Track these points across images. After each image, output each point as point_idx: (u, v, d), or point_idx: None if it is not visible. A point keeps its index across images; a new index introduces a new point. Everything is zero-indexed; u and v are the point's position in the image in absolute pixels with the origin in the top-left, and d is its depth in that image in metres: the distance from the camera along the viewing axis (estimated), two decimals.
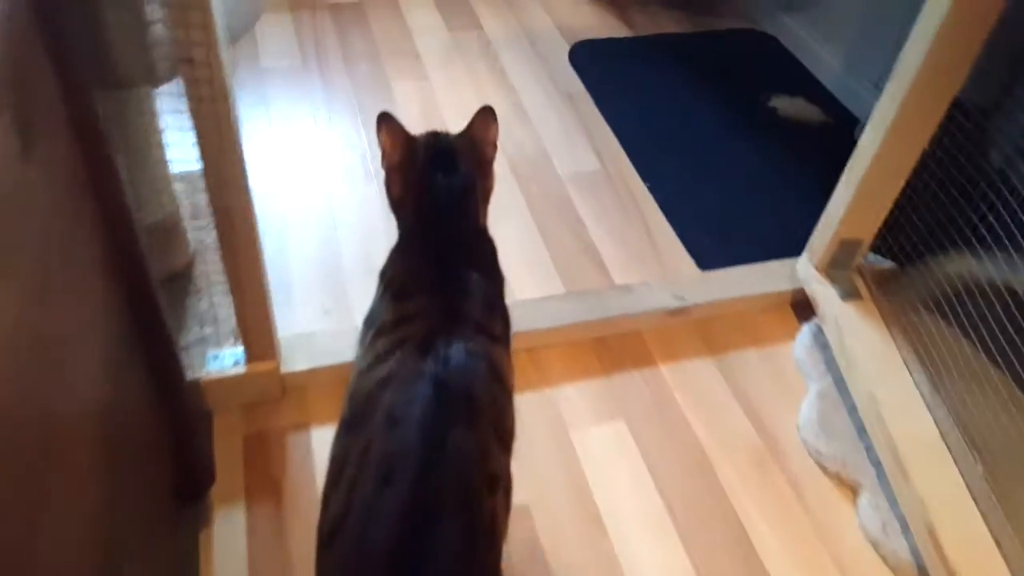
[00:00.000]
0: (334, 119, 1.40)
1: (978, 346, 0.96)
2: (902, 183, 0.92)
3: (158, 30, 0.67)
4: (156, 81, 0.75)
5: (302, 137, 1.35)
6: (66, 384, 0.52)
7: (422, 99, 1.46)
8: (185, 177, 1.11)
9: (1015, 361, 0.87)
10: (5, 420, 0.41)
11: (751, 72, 1.60)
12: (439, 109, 1.44)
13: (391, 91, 1.47)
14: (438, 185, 0.72)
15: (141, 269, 0.68)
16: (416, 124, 1.39)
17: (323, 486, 0.58)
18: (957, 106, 0.85)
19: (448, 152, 0.74)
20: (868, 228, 0.98)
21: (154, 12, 0.67)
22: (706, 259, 1.19)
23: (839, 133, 1.45)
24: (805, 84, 1.57)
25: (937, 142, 0.87)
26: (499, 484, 0.60)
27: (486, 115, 0.74)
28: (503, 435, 0.63)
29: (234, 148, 0.70)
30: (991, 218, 0.86)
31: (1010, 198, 0.82)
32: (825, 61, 1.58)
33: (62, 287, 0.54)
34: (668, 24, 1.73)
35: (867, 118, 1.46)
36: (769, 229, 1.24)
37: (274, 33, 1.59)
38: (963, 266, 0.95)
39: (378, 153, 0.75)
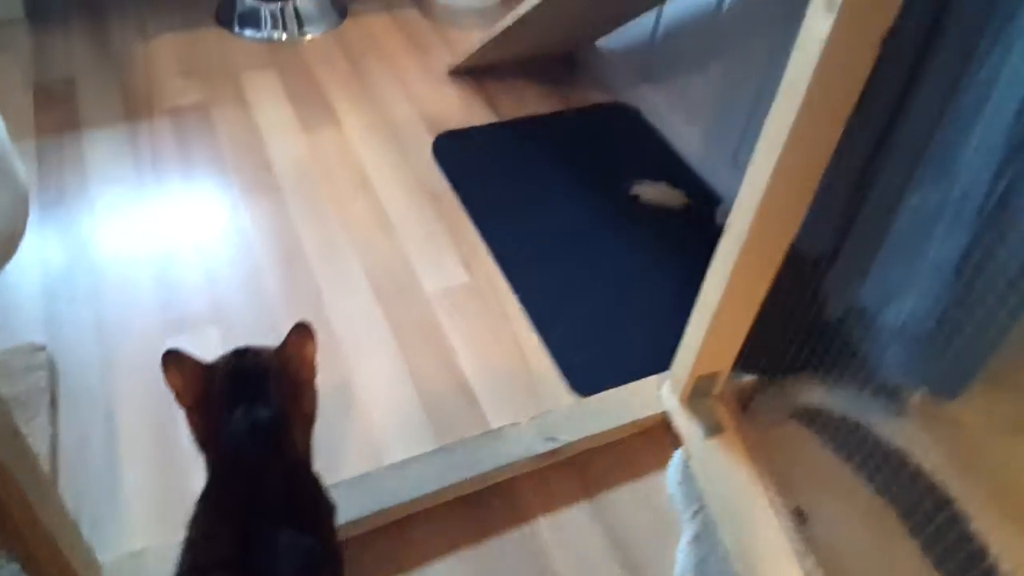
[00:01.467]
0: (172, 252, 1.28)
1: (846, 462, 0.97)
2: (749, 324, 0.91)
3: None
4: None
5: (133, 276, 1.23)
6: None
7: (274, 218, 1.36)
8: None
9: (862, 467, 0.88)
10: None
11: (615, 152, 1.59)
12: (294, 228, 1.35)
13: (239, 210, 1.37)
14: (239, 421, 0.64)
15: None
16: (271, 247, 1.31)
17: None
18: (793, 256, 0.84)
19: (254, 377, 0.66)
20: (723, 362, 0.97)
21: None
22: (580, 381, 1.15)
23: (702, 217, 1.45)
24: (667, 162, 1.58)
25: (776, 290, 0.87)
26: None
27: (301, 333, 0.68)
28: None
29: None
30: (835, 359, 0.87)
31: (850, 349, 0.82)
32: (684, 135, 1.59)
33: None
34: (533, 103, 1.70)
35: (729, 198, 1.50)
36: (640, 338, 1.22)
37: (106, 149, 1.45)
38: (816, 396, 0.95)
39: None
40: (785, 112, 0.72)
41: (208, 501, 0.65)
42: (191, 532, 0.65)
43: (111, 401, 1.06)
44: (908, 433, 0.87)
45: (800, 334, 0.91)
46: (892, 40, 0.67)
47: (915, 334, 0.71)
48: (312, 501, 0.67)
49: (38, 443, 0.96)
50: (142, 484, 0.98)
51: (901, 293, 0.73)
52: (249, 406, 0.64)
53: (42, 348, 1.06)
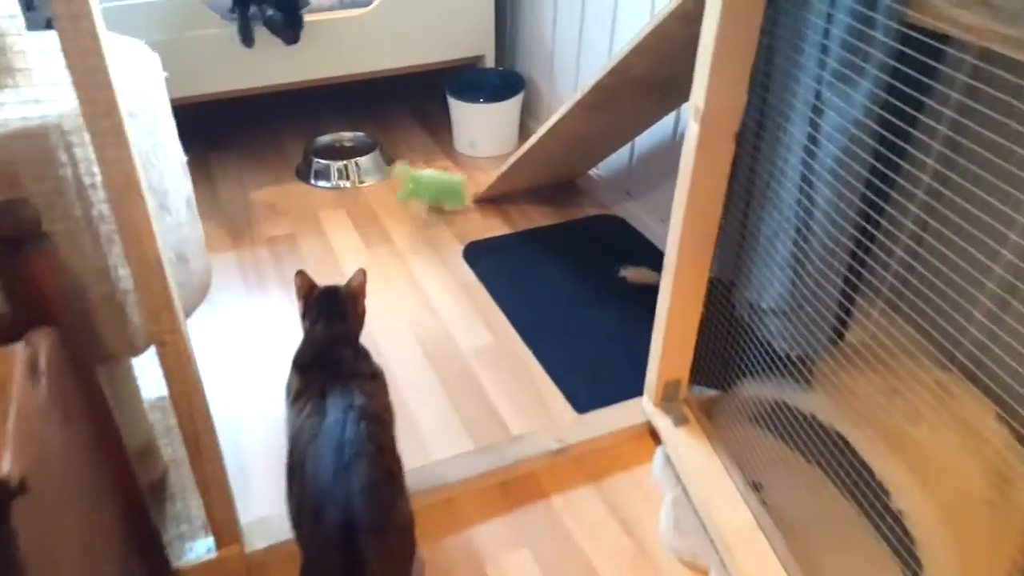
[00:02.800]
0: (276, 331, 1.71)
1: (785, 442, 1.28)
2: (694, 336, 1.28)
3: (136, 321, 0.98)
4: (137, 353, 1.06)
5: (251, 350, 1.66)
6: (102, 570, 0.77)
7: None
8: (157, 404, 1.39)
9: (800, 445, 1.20)
10: None
11: (606, 249, 2.03)
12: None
13: None
14: (329, 305, 1.16)
15: (136, 495, 0.94)
16: None
17: (285, 476, 1.05)
18: (712, 282, 1.23)
19: (336, 293, 1.18)
20: (681, 370, 1.33)
21: (133, 311, 0.98)
22: (581, 402, 1.50)
23: None
24: (648, 254, 2.00)
25: (707, 307, 1.24)
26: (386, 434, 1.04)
27: (359, 274, 1.19)
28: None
29: (197, 391, 0.99)
30: (755, 354, 1.22)
31: (759, 342, 1.18)
32: (661, 233, 2.02)
33: (94, 503, 0.80)
34: (540, 218, 2.17)
35: None
36: (627, 373, 1.58)
37: (220, 269, 1.94)
38: (751, 390, 1.29)
39: None
40: (682, 186, 1.15)
41: (307, 344, 1.14)
42: (299, 359, 1.12)
43: (239, 427, 1.44)
44: (815, 401, 1.19)
45: (733, 346, 1.27)
46: (741, 137, 1.10)
47: (781, 310, 1.07)
48: (365, 350, 1.15)
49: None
50: (262, 471, 1.33)
51: (768, 286, 1.11)
52: (334, 302, 1.15)
53: None
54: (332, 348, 1.10)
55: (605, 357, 1.64)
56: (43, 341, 0.69)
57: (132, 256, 0.85)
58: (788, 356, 1.12)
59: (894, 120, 0.84)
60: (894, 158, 0.85)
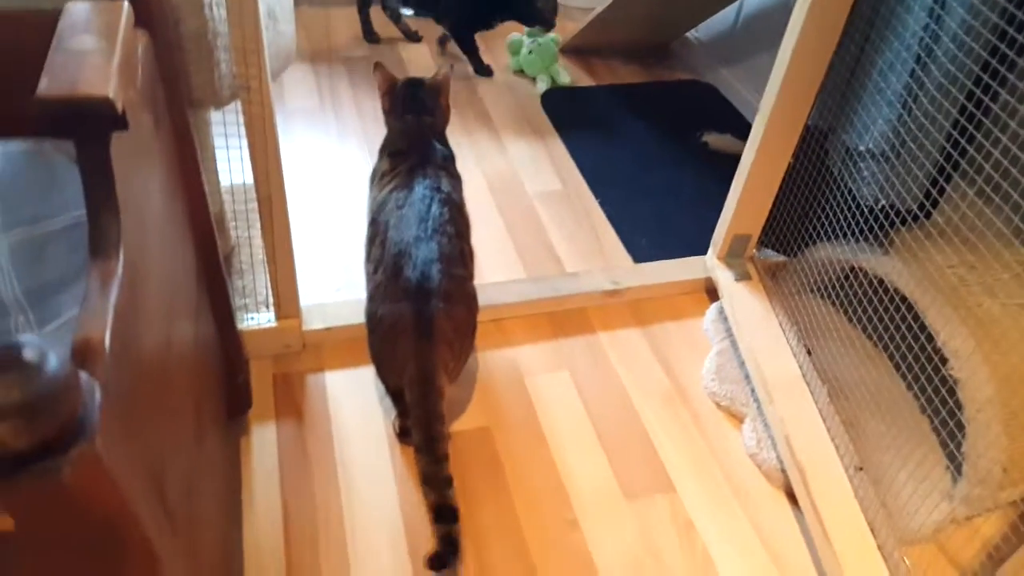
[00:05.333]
0: (345, 145, 1.72)
1: (841, 312, 1.25)
2: (775, 189, 1.22)
3: (224, 68, 0.98)
4: (220, 104, 1.06)
5: (320, 159, 1.67)
6: (178, 316, 0.79)
7: None
8: (228, 189, 1.42)
9: (861, 317, 1.16)
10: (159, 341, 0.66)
11: (692, 114, 1.93)
12: None
13: None
14: (416, 101, 1.17)
15: (211, 237, 0.97)
16: None
17: (365, 244, 1.09)
18: (808, 129, 1.16)
19: (421, 85, 1.19)
20: (754, 225, 1.28)
21: (222, 55, 0.98)
22: (640, 255, 1.48)
23: None
24: (736, 123, 1.90)
25: (796, 157, 1.18)
26: (462, 230, 1.08)
27: (446, 71, 1.19)
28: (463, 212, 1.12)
29: (275, 150, 1.00)
30: (837, 213, 1.16)
31: (846, 197, 1.12)
32: (753, 105, 1.91)
33: (172, 236, 0.82)
34: (625, 75, 2.07)
35: None
36: (693, 234, 1.53)
37: (297, 79, 1.93)
38: (825, 252, 1.24)
39: None
40: (800, 10, 1.05)
41: (392, 138, 1.19)
42: (387, 148, 1.18)
43: (306, 225, 1.48)
44: (889, 265, 1.13)
45: (813, 205, 1.21)
46: None
47: (881, 152, 1.01)
48: (445, 144, 1.19)
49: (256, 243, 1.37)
50: (322, 268, 1.37)
51: (871, 125, 1.03)
52: (418, 94, 1.17)
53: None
54: (423, 137, 1.14)
55: (671, 216, 1.60)
56: (140, 39, 0.69)
57: None
58: (872, 210, 1.06)
59: None
60: None
